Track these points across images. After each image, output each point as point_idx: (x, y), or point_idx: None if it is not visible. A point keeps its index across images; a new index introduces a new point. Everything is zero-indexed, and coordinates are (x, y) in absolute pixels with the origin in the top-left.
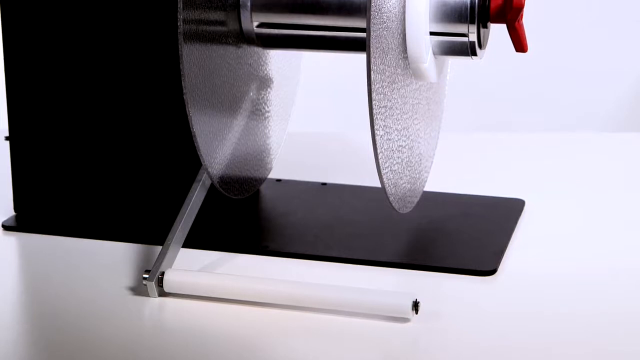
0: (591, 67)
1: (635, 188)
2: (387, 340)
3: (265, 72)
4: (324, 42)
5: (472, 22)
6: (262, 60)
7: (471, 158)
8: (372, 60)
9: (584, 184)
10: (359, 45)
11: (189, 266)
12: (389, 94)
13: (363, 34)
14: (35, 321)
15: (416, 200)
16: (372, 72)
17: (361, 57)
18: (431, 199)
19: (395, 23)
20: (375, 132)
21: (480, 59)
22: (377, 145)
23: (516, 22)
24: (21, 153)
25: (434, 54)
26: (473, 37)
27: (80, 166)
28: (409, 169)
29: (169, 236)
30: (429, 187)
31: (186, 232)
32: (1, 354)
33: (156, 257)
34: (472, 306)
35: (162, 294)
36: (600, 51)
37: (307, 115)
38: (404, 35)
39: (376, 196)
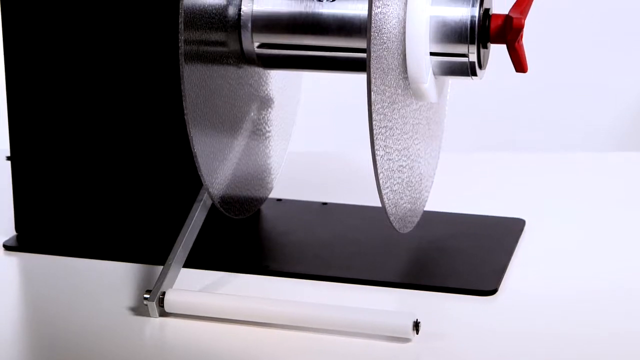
0: (590, 86)
1: (635, 207)
2: None
3: (266, 92)
4: (325, 63)
5: (472, 43)
6: (262, 80)
7: (471, 178)
8: (373, 80)
9: (584, 203)
10: (359, 65)
11: (190, 286)
12: (389, 114)
13: (363, 55)
14: (36, 341)
15: (417, 220)
16: (372, 93)
17: (361, 77)
18: (432, 218)
19: (395, 43)
20: (376, 152)
21: (481, 79)
22: (378, 165)
23: (516, 43)
24: (22, 173)
25: (434, 74)
26: (473, 58)
27: (81, 186)
28: (409, 189)
29: (170, 256)
30: (430, 206)
31: (187, 252)
32: None
33: (157, 277)
34: (473, 326)
35: (163, 314)
36: (599, 71)
37: (307, 134)
38: (404, 55)
39: (377, 216)
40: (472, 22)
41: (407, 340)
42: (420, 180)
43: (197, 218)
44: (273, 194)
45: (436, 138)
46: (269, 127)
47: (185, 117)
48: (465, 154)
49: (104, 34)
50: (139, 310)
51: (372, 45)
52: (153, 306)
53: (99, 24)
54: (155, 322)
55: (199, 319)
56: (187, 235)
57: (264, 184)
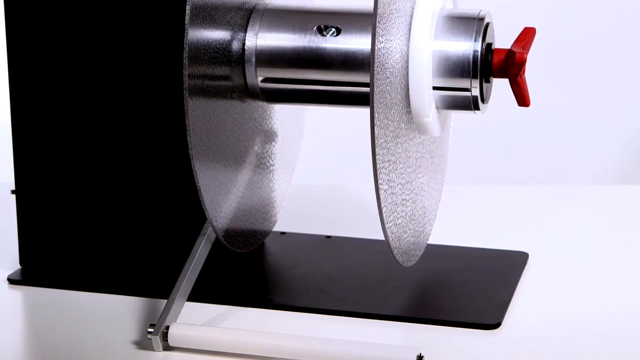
0: (594, 119)
1: (639, 240)
2: None
3: (270, 126)
4: (328, 97)
5: (474, 77)
6: (266, 114)
7: (475, 211)
8: (376, 115)
9: (588, 236)
10: (362, 99)
11: (194, 320)
12: (392, 148)
13: (366, 89)
14: None
15: (420, 253)
16: (375, 127)
17: (365, 110)
18: (435, 252)
19: (398, 78)
20: (379, 186)
21: (483, 113)
22: (381, 199)
23: (518, 77)
24: (27, 207)
25: (437, 108)
26: (476, 92)
27: (86, 220)
28: (412, 222)
29: (174, 290)
30: (433, 239)
31: (191, 286)
32: None
33: (161, 310)
34: None
35: (167, 348)
36: (603, 104)
37: (311, 168)
38: (407, 90)
39: (380, 249)
40: (475, 56)
41: None
42: (424, 213)
43: (201, 252)
44: (277, 227)
45: (439, 171)
46: (272, 160)
47: (189, 151)
48: (468, 187)
49: (108, 69)
50: (143, 344)
51: (375, 80)
52: (157, 340)
53: (103, 60)
54: (159, 356)
55: (202, 353)
56: (191, 269)
57: (268, 217)
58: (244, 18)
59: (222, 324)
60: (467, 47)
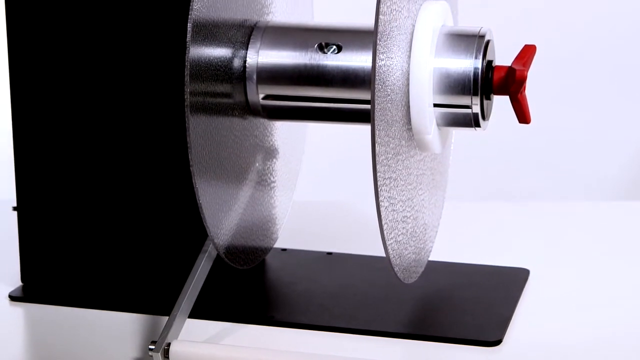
0: (595, 136)
1: None
2: None
3: (271, 143)
4: (329, 114)
5: (475, 94)
6: (267, 131)
7: (475, 227)
8: (377, 132)
9: (588, 253)
10: (363, 117)
11: (195, 337)
12: (393, 165)
13: (367, 106)
14: None
15: (421, 270)
16: (376, 145)
17: (366, 127)
18: (436, 268)
19: (399, 95)
20: (380, 203)
21: (484, 130)
22: (382, 216)
23: (519, 94)
24: (29, 223)
25: (438, 125)
26: (476, 109)
27: (87, 237)
28: (413, 239)
29: (175, 307)
30: (434, 256)
31: (192, 303)
32: None
33: (162, 327)
34: None
35: None
36: (603, 120)
37: (312, 184)
38: (408, 107)
39: (381, 266)
40: (475, 74)
41: None
42: (425, 230)
43: (202, 268)
44: (278, 244)
45: (440, 188)
46: (273, 177)
47: (190, 168)
48: (469, 203)
49: (110, 87)
50: None
51: (376, 98)
52: (158, 357)
53: (104, 78)
54: None
55: None
56: (192, 286)
57: (269, 234)
58: (245, 35)
59: (224, 340)
60: (467, 64)
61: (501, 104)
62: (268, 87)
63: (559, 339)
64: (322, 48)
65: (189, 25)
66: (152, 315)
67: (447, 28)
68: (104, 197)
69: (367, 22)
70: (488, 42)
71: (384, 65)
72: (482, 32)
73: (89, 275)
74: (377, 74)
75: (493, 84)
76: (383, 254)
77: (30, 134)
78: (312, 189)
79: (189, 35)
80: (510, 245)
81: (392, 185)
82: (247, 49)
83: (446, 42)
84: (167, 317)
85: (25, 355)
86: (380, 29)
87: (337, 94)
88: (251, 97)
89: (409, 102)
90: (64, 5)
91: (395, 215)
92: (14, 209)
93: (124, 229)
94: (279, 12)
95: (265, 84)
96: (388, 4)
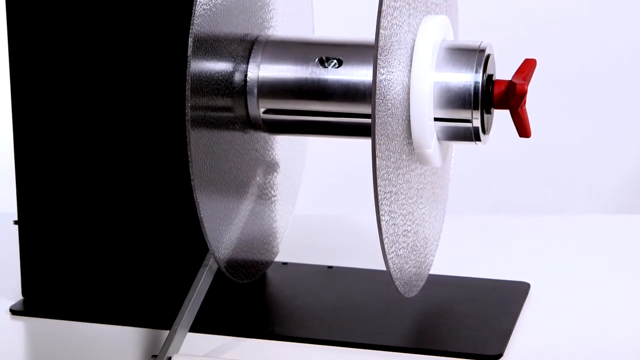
0: (595, 149)
1: None
2: None
3: (272, 156)
4: (330, 128)
5: (475, 108)
6: (268, 145)
7: (476, 240)
8: (377, 146)
9: (589, 266)
10: (364, 131)
11: (196, 351)
12: (394, 179)
13: (368, 120)
14: None
15: (422, 284)
16: (377, 158)
17: (366, 140)
18: (436, 282)
19: (400, 109)
20: (381, 217)
21: (485, 144)
22: (383, 230)
23: (519, 108)
24: (29, 237)
25: (438, 139)
26: (477, 123)
27: (88, 251)
28: (414, 253)
29: (176, 321)
30: (435, 270)
31: (193, 317)
32: None
33: (163, 341)
34: None
35: None
36: (603, 134)
37: (312, 198)
38: (409, 121)
39: (382, 279)
40: (476, 88)
41: None
42: (425, 244)
43: (203, 282)
44: (279, 258)
45: (441, 202)
46: (274, 191)
47: (191, 182)
48: (469, 217)
49: (110, 101)
50: None
51: (376, 112)
52: None
53: (106, 92)
54: None
55: None
56: (193, 300)
57: (270, 247)
58: (246, 50)
59: (224, 354)
60: (468, 78)
61: (501, 117)
62: (269, 101)
63: (559, 353)
64: (323, 62)
65: (190, 39)
66: (153, 329)
67: (447, 42)
68: (105, 211)
69: (368, 36)
70: (488, 56)
71: (385, 80)
72: (482, 46)
73: (89, 289)
74: (377, 88)
75: (493, 98)
76: (384, 268)
77: (31, 147)
78: (312, 203)
79: (189, 50)
80: (510, 259)
81: (392, 199)
82: (248, 63)
83: (447, 57)
84: (168, 331)
85: None
86: (380, 43)
87: (338, 108)
88: (252, 111)
89: (409, 116)
90: (64, 29)
91: (396, 229)
92: (15, 222)
93: (125, 242)
94: (280, 26)
95: (266, 98)
96: (389, 18)
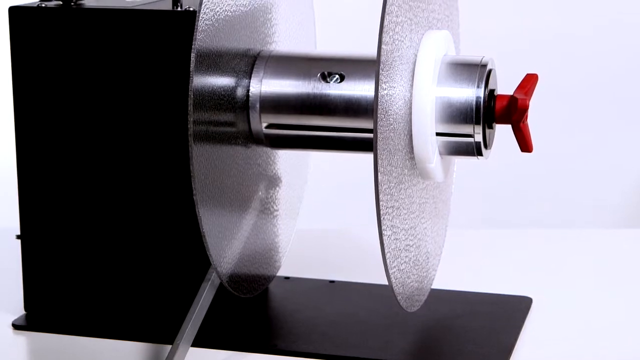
0: (597, 163)
1: None
2: None
3: (274, 171)
4: (332, 143)
5: (477, 123)
6: (270, 160)
7: (478, 255)
8: (379, 161)
9: (591, 281)
10: (366, 145)
11: None
12: (395, 194)
13: (370, 135)
14: None
15: (424, 298)
16: (379, 173)
17: (368, 156)
18: (438, 296)
19: (401, 124)
20: (383, 232)
21: (486, 158)
22: (385, 245)
23: (521, 123)
24: (32, 252)
25: (440, 154)
26: (479, 138)
27: (91, 266)
28: (416, 267)
29: (179, 335)
30: (437, 284)
31: (195, 331)
32: None
33: (165, 356)
34: None
35: None
36: (606, 148)
37: (315, 212)
38: (411, 136)
39: (384, 294)
40: (478, 103)
41: None
42: (427, 258)
43: (205, 297)
44: (281, 272)
45: (442, 216)
46: (276, 205)
47: (194, 197)
48: (471, 231)
49: (113, 116)
50: None
51: (378, 127)
52: None
53: (108, 107)
54: None
55: None
56: (195, 314)
57: (272, 262)
58: (249, 65)
59: None
60: (469, 93)
61: (503, 132)
62: (271, 116)
63: None
64: (325, 77)
65: (193, 54)
66: (155, 344)
67: (449, 57)
68: (107, 226)
69: (370, 51)
70: (490, 71)
71: (387, 95)
72: (484, 61)
73: (92, 303)
74: (379, 103)
75: (495, 113)
76: (386, 282)
77: (33, 162)
78: (315, 218)
79: (192, 65)
80: (512, 273)
81: (394, 214)
82: (250, 78)
83: (448, 72)
84: (171, 346)
85: None
86: (382, 58)
87: (340, 123)
88: (254, 126)
89: (411, 131)
90: (68, 44)
91: (398, 244)
92: (18, 237)
93: (127, 257)
94: (282, 41)
95: (269, 112)
96: (390, 33)
